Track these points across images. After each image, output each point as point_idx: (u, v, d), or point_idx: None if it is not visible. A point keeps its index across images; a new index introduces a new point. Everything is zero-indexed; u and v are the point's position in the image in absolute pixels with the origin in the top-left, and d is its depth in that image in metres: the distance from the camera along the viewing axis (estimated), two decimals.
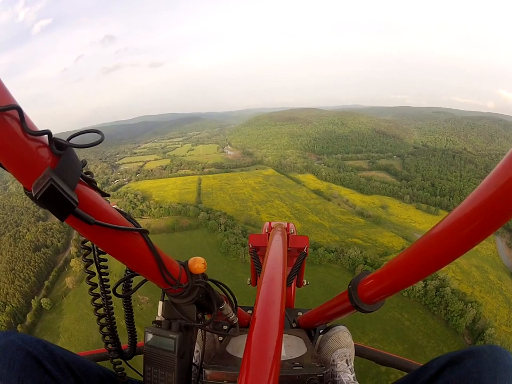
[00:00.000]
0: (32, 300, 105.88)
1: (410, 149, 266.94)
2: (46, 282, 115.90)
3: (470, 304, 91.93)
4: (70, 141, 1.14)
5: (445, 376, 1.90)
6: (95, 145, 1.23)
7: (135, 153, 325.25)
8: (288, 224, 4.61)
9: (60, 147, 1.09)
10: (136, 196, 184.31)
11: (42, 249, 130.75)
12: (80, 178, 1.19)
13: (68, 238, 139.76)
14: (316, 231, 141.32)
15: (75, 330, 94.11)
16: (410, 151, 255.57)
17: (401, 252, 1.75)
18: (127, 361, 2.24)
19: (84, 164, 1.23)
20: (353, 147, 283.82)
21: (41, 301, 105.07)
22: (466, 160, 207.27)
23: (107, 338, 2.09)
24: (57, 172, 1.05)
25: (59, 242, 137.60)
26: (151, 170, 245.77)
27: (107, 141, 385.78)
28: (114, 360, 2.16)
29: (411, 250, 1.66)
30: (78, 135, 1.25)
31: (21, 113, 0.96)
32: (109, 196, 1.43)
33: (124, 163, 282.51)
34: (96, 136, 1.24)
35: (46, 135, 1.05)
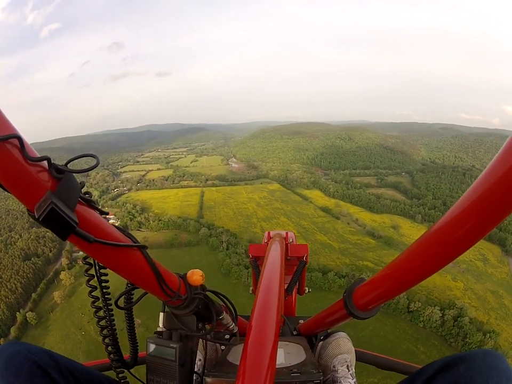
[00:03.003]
0: (18, 312, 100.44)
1: (418, 166, 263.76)
2: (34, 295, 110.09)
3: (488, 334, 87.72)
4: (68, 165, 1.22)
5: (437, 381, 1.96)
6: (91, 169, 1.34)
7: (137, 161, 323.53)
8: (287, 233, 4.87)
9: (59, 171, 1.17)
10: (135, 206, 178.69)
11: (32, 259, 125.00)
12: (79, 199, 1.25)
13: (60, 248, 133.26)
14: (324, 252, 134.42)
15: (60, 350, 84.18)
16: (419, 168, 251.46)
17: (394, 258, 1.81)
18: (130, 370, 2.36)
19: (83, 185, 1.29)
20: (361, 163, 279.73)
21: (26, 314, 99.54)
22: (477, 177, 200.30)
23: (109, 348, 2.19)
24: (58, 195, 1.13)
25: (51, 252, 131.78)
26: (153, 180, 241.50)
27: (110, 148, 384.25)
28: (118, 370, 2.26)
29: (404, 256, 1.70)
30: (75, 159, 1.36)
31: (21, 141, 1.03)
32: (107, 214, 1.52)
33: (126, 171, 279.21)
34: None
35: (46, 161, 1.13)
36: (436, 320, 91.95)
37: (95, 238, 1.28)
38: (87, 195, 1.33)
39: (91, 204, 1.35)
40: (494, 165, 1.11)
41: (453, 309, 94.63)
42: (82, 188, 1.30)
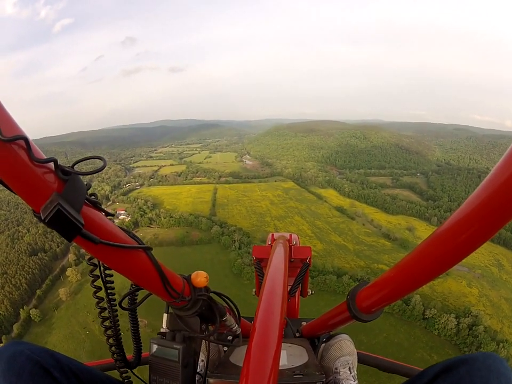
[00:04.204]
0: (21, 309, 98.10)
1: (433, 167, 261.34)
2: (38, 291, 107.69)
3: (501, 344, 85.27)
4: (74, 167, 1.24)
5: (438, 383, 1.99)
6: (98, 172, 1.35)
7: (151, 157, 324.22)
8: (290, 235, 4.90)
9: (65, 173, 1.18)
10: (147, 202, 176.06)
11: (39, 254, 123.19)
12: (85, 200, 1.27)
13: (67, 244, 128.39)
14: (339, 253, 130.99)
15: (62, 350, 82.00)
16: (434, 169, 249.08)
17: (398, 262, 1.82)
18: (132, 370, 2.42)
19: (89, 187, 1.31)
20: (376, 162, 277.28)
21: (30, 311, 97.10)
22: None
23: (113, 348, 2.24)
24: (64, 196, 1.13)
25: (58, 247, 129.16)
26: (166, 176, 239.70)
27: (124, 142, 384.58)
28: (121, 369, 2.35)
29: (407, 259, 1.72)
30: (82, 161, 1.37)
31: (28, 143, 1.04)
32: (113, 215, 1.54)
33: (139, 166, 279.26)
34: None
35: (52, 162, 1.13)
36: (451, 328, 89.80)
37: (100, 239, 1.29)
38: (92, 196, 1.35)
39: (97, 205, 1.36)
40: (499, 168, 1.10)
41: (468, 316, 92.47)
42: (88, 190, 1.31)
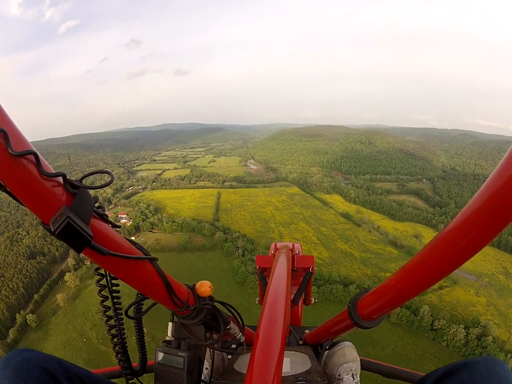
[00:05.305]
0: (18, 314, 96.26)
1: (439, 173, 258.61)
2: (36, 296, 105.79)
3: (510, 354, 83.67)
4: (82, 181, 1.28)
5: None
6: (106, 186, 1.37)
7: (154, 160, 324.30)
8: (293, 244, 5.02)
9: (73, 186, 1.22)
10: (149, 206, 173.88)
11: (37, 257, 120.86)
12: (93, 213, 1.31)
13: (67, 247, 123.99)
14: (345, 261, 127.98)
15: (59, 357, 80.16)
16: (440, 175, 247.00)
17: (398, 269, 1.85)
18: (138, 378, 2.50)
19: (96, 199, 1.34)
20: (381, 168, 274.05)
21: (27, 316, 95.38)
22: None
23: (119, 356, 2.32)
24: (73, 209, 1.18)
25: (57, 251, 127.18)
26: (169, 179, 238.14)
27: (127, 145, 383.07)
28: (128, 377, 2.42)
29: (407, 266, 1.74)
30: (90, 175, 1.45)
31: (37, 157, 1.08)
32: (119, 227, 1.57)
33: (142, 170, 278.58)
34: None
35: (61, 177, 1.18)
36: (459, 340, 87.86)
37: (108, 250, 1.33)
38: (100, 209, 1.38)
39: (104, 217, 1.39)
40: (497, 173, 1.14)
41: (477, 327, 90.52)
42: (96, 203, 1.35)
